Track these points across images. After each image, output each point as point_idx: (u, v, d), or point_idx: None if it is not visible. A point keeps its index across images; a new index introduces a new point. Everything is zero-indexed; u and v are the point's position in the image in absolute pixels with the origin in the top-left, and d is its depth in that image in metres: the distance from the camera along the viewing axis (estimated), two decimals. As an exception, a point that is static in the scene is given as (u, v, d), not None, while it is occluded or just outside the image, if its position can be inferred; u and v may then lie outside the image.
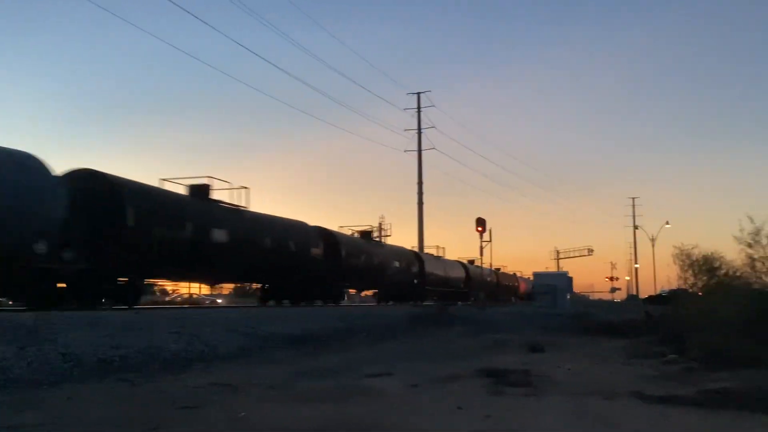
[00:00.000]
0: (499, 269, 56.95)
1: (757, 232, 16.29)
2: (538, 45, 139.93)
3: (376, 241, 38.55)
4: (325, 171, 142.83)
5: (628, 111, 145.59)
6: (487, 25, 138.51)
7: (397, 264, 37.64)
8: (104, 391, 8.56)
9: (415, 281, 39.82)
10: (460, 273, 49.13)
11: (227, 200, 23.02)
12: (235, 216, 22.76)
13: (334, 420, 6.92)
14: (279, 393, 8.65)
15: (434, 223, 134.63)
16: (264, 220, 24.81)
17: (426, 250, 47.37)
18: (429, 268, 41.89)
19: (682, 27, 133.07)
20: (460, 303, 44.91)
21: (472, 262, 51.45)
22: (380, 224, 46.76)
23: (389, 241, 42.28)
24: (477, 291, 48.99)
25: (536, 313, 32.94)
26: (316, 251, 27.64)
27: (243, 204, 23.56)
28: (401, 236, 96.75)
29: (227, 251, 21.22)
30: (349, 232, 34.98)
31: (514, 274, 69.03)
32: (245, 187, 23.50)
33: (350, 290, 40.22)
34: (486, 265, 46.82)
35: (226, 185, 22.87)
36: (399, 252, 39.69)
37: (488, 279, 51.59)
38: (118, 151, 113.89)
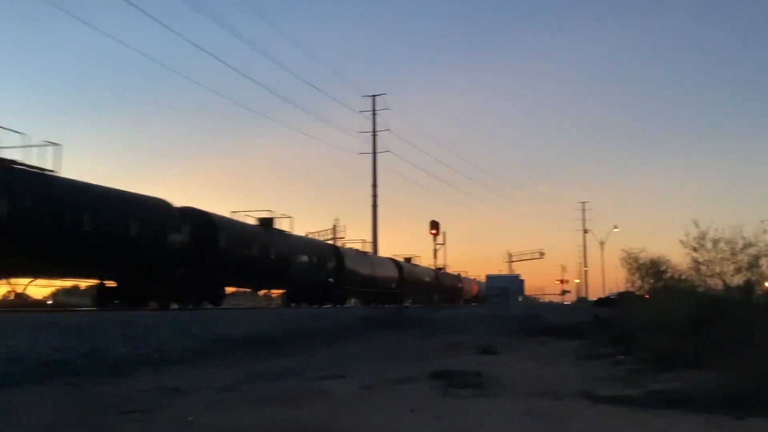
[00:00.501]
0: (441, 269, 54.23)
1: (701, 237, 16.69)
2: (491, 50, 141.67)
3: (279, 230, 30.65)
4: (279, 172, 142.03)
5: (579, 117, 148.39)
6: (441, 29, 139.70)
7: (306, 258, 31.86)
8: (48, 394, 8.33)
9: (331, 279, 34.44)
10: (392, 272, 44.65)
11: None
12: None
13: (285, 423, 6.85)
14: (229, 396, 8.54)
15: (389, 225, 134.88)
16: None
17: (380, 253, 47.11)
18: (350, 264, 37.14)
19: (628, 34, 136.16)
20: (389, 306, 38.73)
21: (409, 260, 50.10)
22: (335, 226, 46.63)
23: (342, 242, 42.15)
24: (413, 292, 47.60)
25: (488, 315, 33.21)
26: (178, 237, 22.06)
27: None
28: (356, 237, 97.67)
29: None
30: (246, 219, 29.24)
31: (459, 274, 67.87)
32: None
33: (237, 289, 33.33)
34: (443, 268, 46.43)
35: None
36: (310, 244, 34.83)
37: (426, 279, 50.04)
38: (67, 149, 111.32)
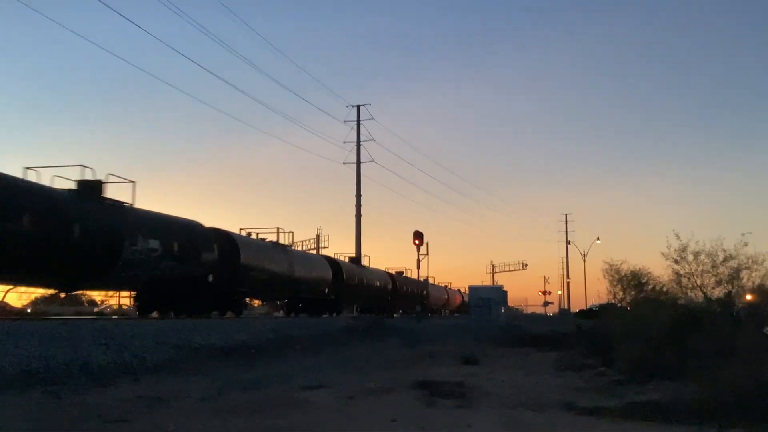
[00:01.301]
0: (426, 280, 55.34)
1: (683, 249, 16.86)
2: (473, 60, 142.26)
3: (283, 245, 32.46)
4: (263, 181, 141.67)
5: (561, 128, 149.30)
6: (425, 38, 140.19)
7: (307, 273, 32.94)
8: (28, 403, 8.24)
9: (328, 291, 35.10)
10: (387, 284, 45.33)
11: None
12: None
13: (267, 433, 6.83)
14: (210, 406, 8.49)
15: (372, 235, 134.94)
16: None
17: (363, 262, 47.03)
18: (348, 277, 37.87)
19: (609, 44, 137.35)
20: (382, 316, 40.31)
21: (401, 273, 50.92)
22: (318, 235, 46.50)
23: (326, 252, 42.01)
24: (404, 304, 48.07)
25: (471, 326, 33.29)
26: (209, 255, 24.36)
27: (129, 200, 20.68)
28: (339, 248, 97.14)
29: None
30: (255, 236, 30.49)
31: (445, 286, 68.88)
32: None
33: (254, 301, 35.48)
34: (424, 278, 46.51)
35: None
36: (310, 258, 36.14)
37: (416, 290, 50.78)
38: (46, 153, 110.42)
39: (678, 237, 16.95)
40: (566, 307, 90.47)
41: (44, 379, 9.80)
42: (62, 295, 23.70)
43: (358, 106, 53.47)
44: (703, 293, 16.55)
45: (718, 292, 16.49)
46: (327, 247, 45.00)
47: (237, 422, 7.32)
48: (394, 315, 45.03)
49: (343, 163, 53.02)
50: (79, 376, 10.36)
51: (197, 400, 8.90)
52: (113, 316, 25.56)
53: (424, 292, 53.42)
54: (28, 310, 32.73)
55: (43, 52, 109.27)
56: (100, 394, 9.22)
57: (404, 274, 50.51)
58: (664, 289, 19.77)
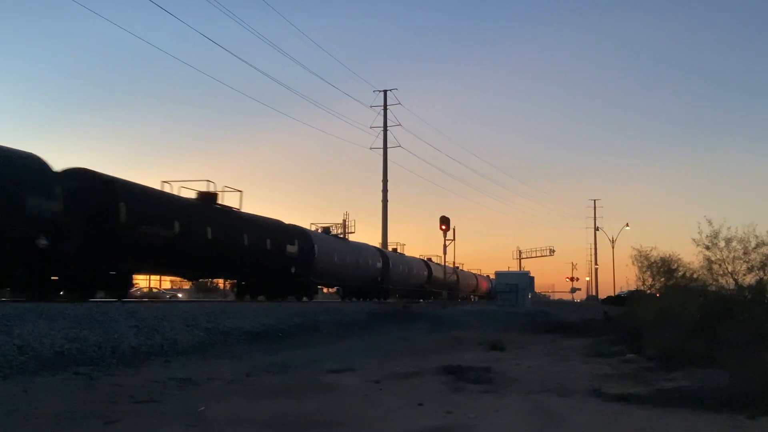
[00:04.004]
0: (457, 267, 56.46)
1: (714, 235, 16.67)
2: (504, 45, 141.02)
3: (343, 238, 38.32)
4: (290, 166, 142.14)
5: (591, 113, 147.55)
6: (454, 23, 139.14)
7: (361, 261, 36.94)
8: (61, 384, 8.41)
9: (380, 279, 39.11)
10: (423, 271, 48.49)
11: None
12: (224, 216, 24.34)
13: (294, 415, 6.90)
14: (238, 388, 8.60)
15: (398, 220, 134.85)
16: (248, 218, 26.26)
17: (390, 247, 47.30)
18: (393, 265, 41.28)
19: (642, 30, 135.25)
20: (421, 301, 45.00)
21: (430, 259, 51.60)
22: (344, 221, 46.68)
23: (352, 238, 42.23)
24: (438, 289, 49.09)
25: (498, 312, 33.21)
26: (292, 249, 28.27)
27: (236, 205, 25.17)
28: (365, 233, 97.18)
29: (214, 248, 22.78)
30: (313, 228, 34.90)
31: (474, 272, 69.12)
32: (239, 190, 25.79)
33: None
34: (449, 264, 46.93)
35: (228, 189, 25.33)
36: (366, 249, 39.38)
37: (449, 277, 51.60)
38: (86, 142, 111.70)
39: (710, 223, 16.77)
40: (594, 293, 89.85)
41: (77, 360, 9.99)
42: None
43: (385, 91, 53.41)
44: (735, 280, 16.37)
45: (749, 279, 16.31)
46: (354, 233, 45.13)
47: (265, 404, 7.41)
48: (429, 300, 46.13)
49: (370, 149, 53.13)
50: (110, 358, 10.55)
51: (226, 382, 9.02)
52: (144, 299, 25.90)
53: (456, 278, 53.89)
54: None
55: (76, 43, 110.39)
56: (131, 375, 9.38)
57: (435, 261, 51.07)
58: (695, 276, 19.57)
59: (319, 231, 35.32)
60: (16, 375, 8.74)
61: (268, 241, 26.06)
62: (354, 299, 37.86)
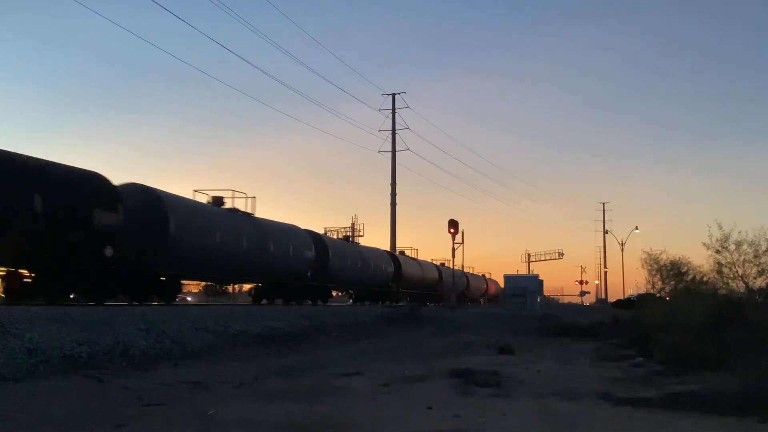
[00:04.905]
0: (463, 270, 56.89)
1: (725, 239, 16.62)
2: (512, 48, 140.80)
3: (355, 243, 38.82)
4: (298, 169, 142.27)
5: (600, 116, 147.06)
6: (462, 27, 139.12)
7: (379, 267, 37.73)
8: (70, 386, 8.44)
9: (390, 283, 39.56)
10: (434, 274, 48.83)
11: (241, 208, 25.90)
12: (253, 224, 25.54)
13: (303, 418, 6.91)
14: (248, 391, 8.62)
15: (406, 223, 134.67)
16: (273, 226, 27.53)
17: (398, 251, 47.37)
18: (405, 269, 41.86)
19: (650, 34, 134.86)
20: (431, 304, 45.18)
21: (443, 264, 51.77)
22: (353, 224, 46.83)
23: (361, 241, 42.34)
24: (448, 292, 49.32)
25: (507, 315, 33.17)
26: (309, 254, 28.97)
27: (249, 210, 25.71)
28: (374, 236, 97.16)
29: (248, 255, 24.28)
30: (323, 232, 34.97)
31: (483, 275, 69.09)
32: (253, 196, 26.20)
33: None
34: (458, 267, 47.00)
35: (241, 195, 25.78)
36: (380, 255, 40.00)
37: (459, 280, 51.79)
38: (94, 146, 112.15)
39: (720, 227, 16.72)
40: (603, 296, 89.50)
41: (86, 363, 10.02)
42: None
43: (393, 95, 53.42)
44: (745, 283, 16.31)
45: (760, 282, 16.24)
46: (362, 236, 45.23)
47: (274, 407, 7.42)
48: (439, 304, 46.31)
49: (378, 152, 53.10)
50: (120, 361, 10.58)
51: (235, 385, 9.04)
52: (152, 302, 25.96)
53: (466, 282, 53.96)
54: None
55: (82, 44, 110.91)
56: (140, 378, 9.40)
57: (446, 265, 51.21)
58: (705, 279, 19.51)
59: (332, 235, 35.55)
60: (27, 378, 8.77)
61: (291, 248, 27.20)
62: (365, 302, 38.21)
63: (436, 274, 48.71)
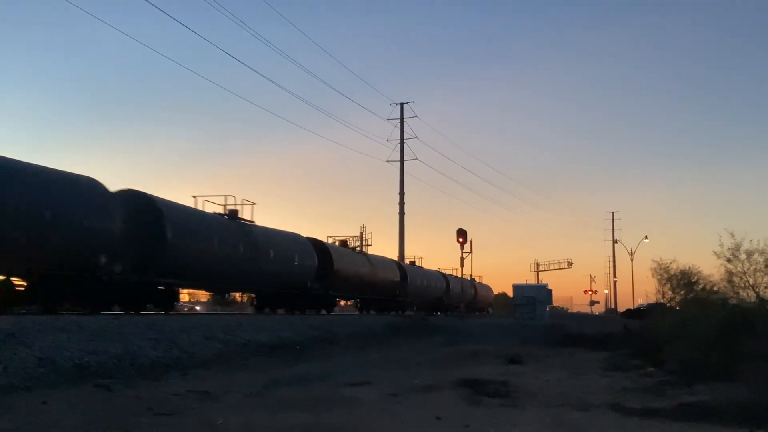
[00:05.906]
0: (474, 279, 56.71)
1: (736, 248, 16.51)
2: (520, 58, 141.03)
3: (361, 251, 38.45)
4: (306, 178, 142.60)
5: (609, 126, 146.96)
6: (471, 37, 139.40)
7: (386, 276, 37.56)
8: (80, 396, 8.46)
9: (397, 292, 39.35)
10: (441, 284, 48.68)
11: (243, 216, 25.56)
12: (252, 232, 25.08)
13: (312, 428, 6.90)
14: (257, 401, 8.61)
15: (415, 233, 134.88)
16: (273, 234, 27.13)
17: (407, 260, 47.39)
18: (412, 279, 41.66)
19: (661, 40, 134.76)
20: (439, 313, 45.39)
21: (450, 273, 51.77)
22: (361, 233, 46.79)
23: (370, 250, 42.34)
24: (456, 302, 49.22)
25: (516, 325, 33.03)
26: (311, 262, 28.62)
27: (249, 217, 25.51)
28: (383, 245, 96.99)
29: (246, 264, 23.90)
30: (330, 241, 34.74)
31: (489, 286, 69.05)
32: (253, 203, 26.02)
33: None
34: (466, 276, 46.98)
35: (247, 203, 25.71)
36: (386, 264, 39.77)
37: (467, 290, 51.64)
38: (100, 154, 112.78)
39: (732, 235, 16.63)
40: (613, 306, 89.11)
41: (96, 372, 10.05)
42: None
43: (402, 104, 53.44)
44: (756, 293, 16.18)
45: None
46: (371, 245, 45.21)
47: (283, 417, 7.41)
48: (447, 313, 46.32)
49: (387, 161, 53.11)
50: (129, 370, 10.60)
51: (244, 395, 9.03)
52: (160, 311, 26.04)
53: (473, 291, 53.84)
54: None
55: (84, 52, 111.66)
56: (150, 387, 9.41)
57: (453, 274, 51.18)
58: (715, 289, 19.39)
59: (336, 244, 35.33)
60: (37, 387, 8.80)
61: (292, 255, 26.85)
62: (372, 312, 37.98)
63: (443, 284, 48.75)
